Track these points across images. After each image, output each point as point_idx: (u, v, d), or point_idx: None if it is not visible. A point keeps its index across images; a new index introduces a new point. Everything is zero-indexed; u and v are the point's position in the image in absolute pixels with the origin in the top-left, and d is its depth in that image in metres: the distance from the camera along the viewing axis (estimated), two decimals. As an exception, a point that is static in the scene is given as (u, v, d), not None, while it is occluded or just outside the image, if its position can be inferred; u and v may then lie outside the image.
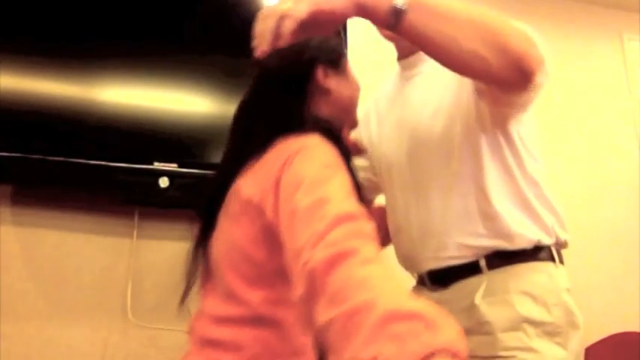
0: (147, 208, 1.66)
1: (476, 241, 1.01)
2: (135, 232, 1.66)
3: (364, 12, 0.79)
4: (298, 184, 0.73)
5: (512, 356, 0.95)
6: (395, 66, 1.19)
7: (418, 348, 0.49)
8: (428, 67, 1.09)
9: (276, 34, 0.76)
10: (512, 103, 0.94)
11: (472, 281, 1.02)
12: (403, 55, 1.14)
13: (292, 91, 0.89)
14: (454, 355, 0.49)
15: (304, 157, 0.78)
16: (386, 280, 0.59)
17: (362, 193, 0.86)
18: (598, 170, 2.39)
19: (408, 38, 0.82)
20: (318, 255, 0.62)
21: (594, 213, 2.29)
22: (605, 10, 2.62)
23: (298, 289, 0.64)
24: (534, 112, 1.08)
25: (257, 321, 0.81)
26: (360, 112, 1.08)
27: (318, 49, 0.90)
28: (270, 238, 0.78)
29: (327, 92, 0.94)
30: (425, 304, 0.54)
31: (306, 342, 0.83)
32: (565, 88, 2.44)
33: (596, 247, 2.26)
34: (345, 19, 0.79)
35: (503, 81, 0.85)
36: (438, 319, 0.52)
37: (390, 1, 0.77)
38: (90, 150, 1.55)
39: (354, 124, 1.04)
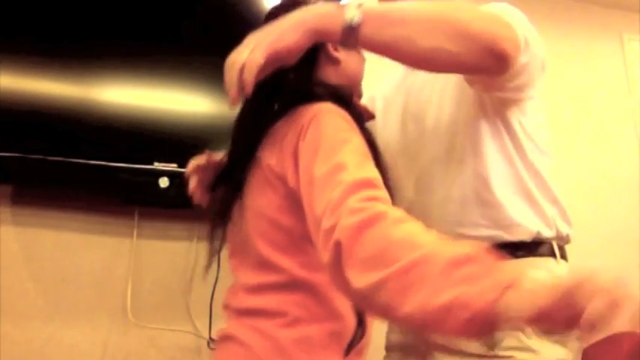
0: (147, 208, 1.66)
1: (474, 230, 1.01)
2: (135, 232, 1.65)
3: (319, 36, 0.79)
4: (315, 151, 0.76)
5: (510, 356, 0.95)
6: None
7: (492, 284, 0.52)
8: None
9: (240, 85, 0.77)
10: (504, 87, 0.93)
11: None
12: None
13: (304, 62, 0.90)
14: (520, 286, 0.52)
15: (319, 123, 0.79)
16: (427, 234, 0.61)
17: (378, 154, 0.87)
18: (598, 170, 2.39)
19: (368, 49, 0.81)
20: (346, 222, 0.64)
21: (594, 212, 2.29)
22: (606, 10, 2.62)
23: (324, 257, 0.66)
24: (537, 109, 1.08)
25: (293, 286, 0.83)
26: (365, 95, 1.09)
27: None
28: (296, 204, 0.80)
29: (336, 63, 0.98)
30: (476, 247, 0.57)
31: (343, 304, 0.84)
32: (565, 88, 2.44)
33: (596, 247, 2.26)
34: (304, 50, 0.79)
35: (477, 68, 0.83)
36: (495, 258, 0.56)
37: (343, 19, 0.76)
38: (90, 150, 1.55)
39: (360, 94, 1.06)
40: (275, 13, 1.01)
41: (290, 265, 0.83)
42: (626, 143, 2.48)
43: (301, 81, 0.91)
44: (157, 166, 1.60)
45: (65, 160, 1.50)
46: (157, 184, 1.58)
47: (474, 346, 0.97)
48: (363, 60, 1.05)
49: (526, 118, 1.03)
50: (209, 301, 1.66)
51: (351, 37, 0.77)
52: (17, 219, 1.58)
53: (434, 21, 0.78)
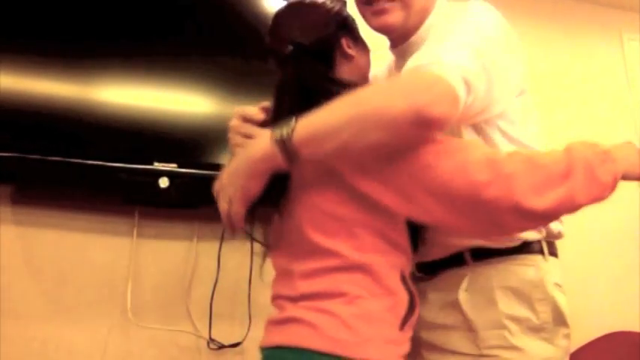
0: (147, 208, 1.66)
1: (460, 241, 1.01)
2: (135, 232, 1.66)
3: (273, 170, 0.89)
4: None
5: (495, 355, 0.95)
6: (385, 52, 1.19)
7: (614, 157, 0.88)
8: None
9: (231, 227, 0.94)
10: (462, 121, 0.94)
11: (457, 273, 1.02)
12: (395, 44, 1.14)
13: (325, 62, 0.99)
14: (623, 153, 0.91)
15: None
16: (555, 150, 0.91)
17: None
18: (598, 170, 2.38)
19: (312, 162, 0.88)
20: (512, 167, 0.83)
21: (594, 212, 2.29)
22: (606, 10, 2.62)
23: (496, 204, 0.81)
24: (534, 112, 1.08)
25: (348, 268, 0.88)
26: None
27: (339, 23, 1.02)
28: (352, 195, 0.88)
29: (350, 59, 1.03)
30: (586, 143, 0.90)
31: (395, 282, 0.91)
32: (565, 87, 2.44)
33: (596, 246, 2.26)
34: (264, 178, 0.91)
35: (418, 138, 0.86)
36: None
37: (279, 148, 0.85)
38: (90, 150, 1.55)
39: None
40: (282, 15, 1.04)
41: (343, 248, 0.88)
42: (626, 143, 2.48)
43: (327, 79, 0.99)
44: (157, 166, 1.60)
45: (65, 160, 1.50)
46: (157, 184, 1.58)
47: (461, 345, 0.98)
48: (369, 52, 1.09)
49: (511, 124, 1.01)
50: (209, 301, 1.66)
51: (295, 159, 0.86)
52: (17, 219, 1.58)
53: (357, 120, 0.82)
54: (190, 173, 1.62)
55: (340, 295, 0.86)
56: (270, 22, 1.06)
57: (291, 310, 0.89)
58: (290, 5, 1.05)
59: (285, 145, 0.84)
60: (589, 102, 2.48)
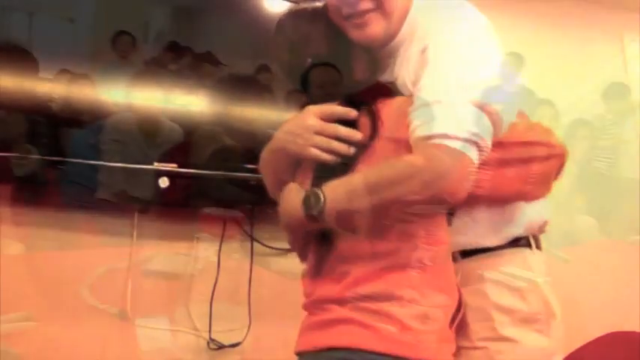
0: (147, 208, 1.67)
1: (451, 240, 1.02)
2: (135, 232, 1.66)
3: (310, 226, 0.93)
4: None
5: (484, 347, 0.95)
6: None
7: None
8: (402, 55, 1.09)
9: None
10: None
11: None
12: (377, 47, 1.14)
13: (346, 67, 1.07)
14: None
15: None
16: None
17: None
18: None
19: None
20: None
21: (594, 212, 2.29)
22: (607, 11, 2.62)
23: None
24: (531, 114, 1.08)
25: (404, 266, 0.88)
26: None
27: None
28: None
29: (359, 61, 1.10)
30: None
31: (447, 280, 0.92)
32: (565, 87, 2.44)
33: (597, 246, 2.26)
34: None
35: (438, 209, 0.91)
36: None
37: (311, 221, 0.89)
38: (90, 150, 1.55)
39: None
40: (291, 29, 1.04)
41: (400, 247, 0.88)
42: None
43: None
44: (157, 166, 1.60)
45: (65, 160, 1.50)
46: (157, 184, 1.58)
47: (456, 339, 0.98)
48: None
49: None
50: (209, 301, 1.66)
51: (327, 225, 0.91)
52: (17, 219, 1.58)
53: (380, 208, 0.86)
54: (190, 173, 1.62)
55: (394, 298, 0.86)
56: (270, 27, 1.07)
57: (339, 312, 0.88)
58: (295, 18, 1.07)
59: (316, 219, 0.89)
60: (589, 103, 2.48)
